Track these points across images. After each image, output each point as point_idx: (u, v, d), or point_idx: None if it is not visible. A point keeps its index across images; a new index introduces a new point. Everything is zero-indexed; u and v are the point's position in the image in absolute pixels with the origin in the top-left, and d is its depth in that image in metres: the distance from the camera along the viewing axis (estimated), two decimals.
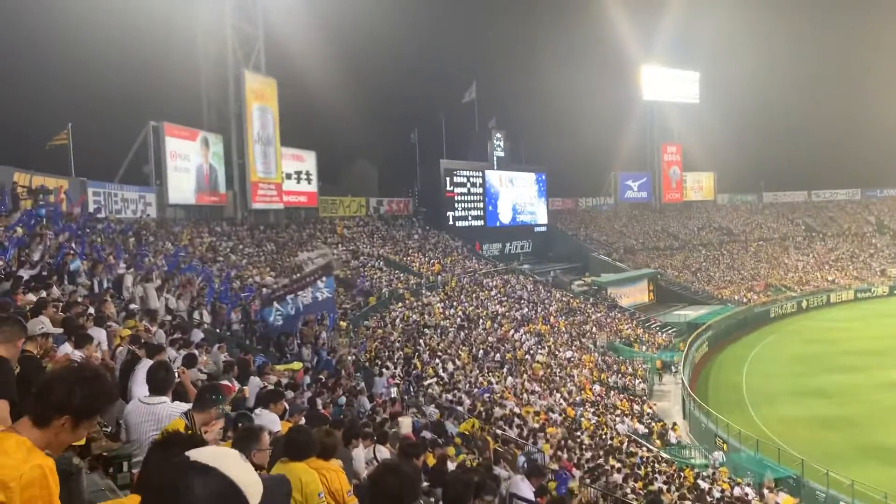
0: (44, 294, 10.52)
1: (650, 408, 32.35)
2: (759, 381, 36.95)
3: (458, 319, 37.08)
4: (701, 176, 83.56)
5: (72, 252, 15.37)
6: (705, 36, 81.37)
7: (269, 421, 6.28)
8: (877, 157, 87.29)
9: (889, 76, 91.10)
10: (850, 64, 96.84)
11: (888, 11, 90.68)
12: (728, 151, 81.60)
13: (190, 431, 4.52)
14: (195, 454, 1.68)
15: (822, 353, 41.49)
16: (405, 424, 12.61)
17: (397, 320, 34.20)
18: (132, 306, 14.28)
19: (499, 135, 61.91)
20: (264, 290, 24.95)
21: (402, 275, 42.75)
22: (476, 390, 25.33)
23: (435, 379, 25.37)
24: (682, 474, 21.77)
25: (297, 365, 14.23)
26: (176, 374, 6.10)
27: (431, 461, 9.71)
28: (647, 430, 27.97)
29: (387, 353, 27.75)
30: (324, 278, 19.62)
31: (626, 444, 24.27)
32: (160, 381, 5.00)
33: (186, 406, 4.89)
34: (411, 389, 23.12)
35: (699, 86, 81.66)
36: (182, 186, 37.48)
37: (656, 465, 22.18)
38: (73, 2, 40.64)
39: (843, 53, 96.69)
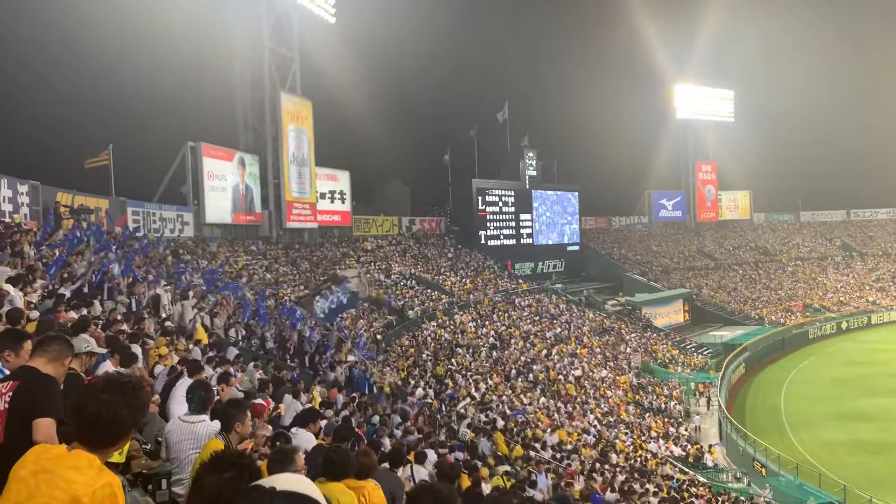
0: (85, 311, 10.72)
1: (686, 430, 31.77)
2: (799, 404, 36.07)
3: (490, 339, 36.93)
4: (737, 195, 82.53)
5: (113, 265, 15.68)
6: (739, 54, 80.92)
7: (306, 440, 6.29)
8: None
9: None
10: (888, 81, 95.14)
11: None
12: (764, 170, 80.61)
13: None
14: (277, 483, 1.74)
15: (864, 376, 40.40)
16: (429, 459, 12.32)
17: (429, 339, 34.18)
18: (168, 324, 14.49)
19: (531, 154, 61.91)
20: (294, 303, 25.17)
21: (434, 293, 42.77)
22: (509, 411, 25.14)
23: (468, 399, 25.25)
24: (719, 499, 21.29)
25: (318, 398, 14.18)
26: (215, 393, 6.16)
27: (466, 483, 9.64)
28: (683, 453, 27.46)
29: (418, 372, 27.72)
30: (334, 287, 19.87)
31: (661, 466, 23.85)
32: (200, 400, 5.06)
33: None
34: (443, 408, 23.02)
35: (734, 104, 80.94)
36: (219, 206, 38.09)
37: (693, 489, 21.73)
38: (114, 27, 41.84)
39: (881, 70, 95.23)
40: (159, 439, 5.46)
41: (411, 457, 9.17)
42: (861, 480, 23.36)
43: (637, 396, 34.69)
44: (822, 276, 71.97)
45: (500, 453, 16.20)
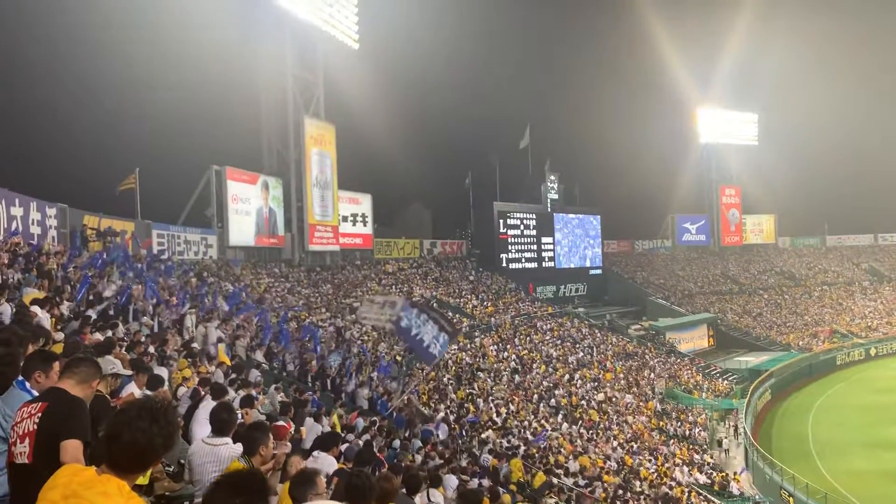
0: (110, 333, 10.83)
1: (711, 457, 31.24)
2: (827, 432, 35.34)
3: (512, 363, 36.70)
4: (761, 218, 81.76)
5: (137, 288, 15.86)
6: (762, 77, 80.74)
7: (327, 464, 6.28)
8: None
9: None
10: None
11: None
12: (789, 193, 79.80)
13: None
14: None
15: (894, 404, 39.53)
16: (450, 485, 12.17)
17: (450, 363, 34.04)
18: (193, 345, 14.59)
19: (553, 177, 61.95)
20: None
21: (455, 316, 42.66)
22: (531, 437, 24.90)
23: (490, 425, 25.04)
24: None
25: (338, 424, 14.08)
26: (239, 416, 6.18)
27: None
28: (708, 481, 26.98)
29: (438, 396, 27.58)
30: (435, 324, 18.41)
31: (687, 494, 23.44)
32: (223, 422, 5.07)
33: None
34: (464, 433, 22.86)
35: (758, 127, 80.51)
36: (242, 229, 38.45)
37: None
38: (142, 52, 42.75)
39: None
40: (182, 461, 5.47)
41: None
42: None
43: (661, 423, 34.22)
44: (849, 301, 70.81)
45: (518, 479, 15.98)
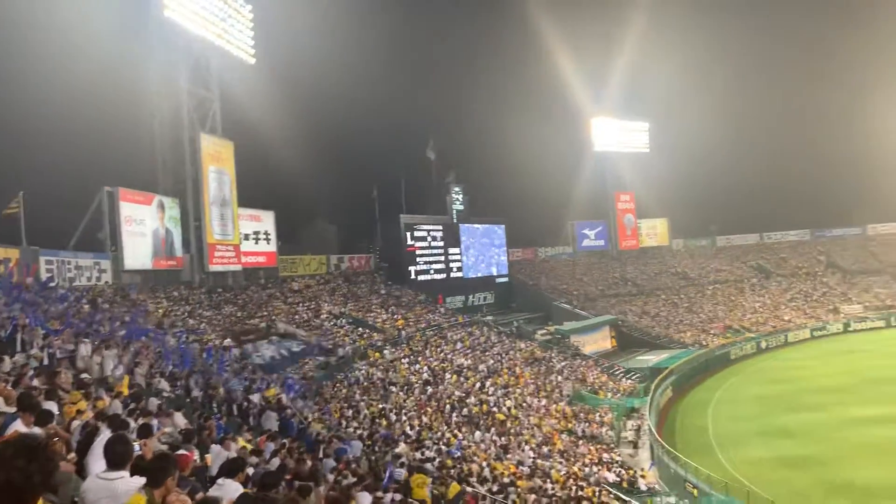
0: None
1: (619, 455, 32.21)
2: (725, 424, 37.10)
3: (424, 375, 36.74)
4: (655, 222, 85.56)
5: (24, 318, 14.94)
6: (653, 87, 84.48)
7: (233, 491, 6.09)
8: (825, 199, 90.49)
9: (831, 121, 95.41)
10: (795, 110, 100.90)
11: (827, 61, 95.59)
12: (680, 197, 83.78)
13: None
14: None
15: (784, 393, 41.95)
16: (363, 502, 12.00)
17: (361, 378, 33.74)
18: (83, 376, 13.86)
19: (457, 188, 62.71)
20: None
21: (365, 332, 42.37)
22: (444, 448, 24.96)
23: (403, 438, 24.96)
24: None
25: (248, 446, 13.73)
26: (136, 447, 5.91)
27: None
28: (617, 479, 27.78)
29: (351, 413, 27.27)
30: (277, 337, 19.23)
31: (597, 493, 24.06)
32: (118, 455, 4.82)
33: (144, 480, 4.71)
34: (376, 449, 22.67)
35: (649, 135, 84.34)
36: (138, 252, 36.87)
37: None
38: (23, 67, 40.42)
39: (788, 99, 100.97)
40: (76, 499, 5.18)
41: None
42: (788, 495, 24.10)
43: (570, 424, 35.02)
44: (740, 298, 74.89)
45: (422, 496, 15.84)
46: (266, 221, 48.34)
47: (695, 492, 26.32)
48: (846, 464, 28.07)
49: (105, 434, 6.82)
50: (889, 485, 25.25)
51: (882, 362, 48.76)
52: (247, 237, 46.00)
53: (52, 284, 27.30)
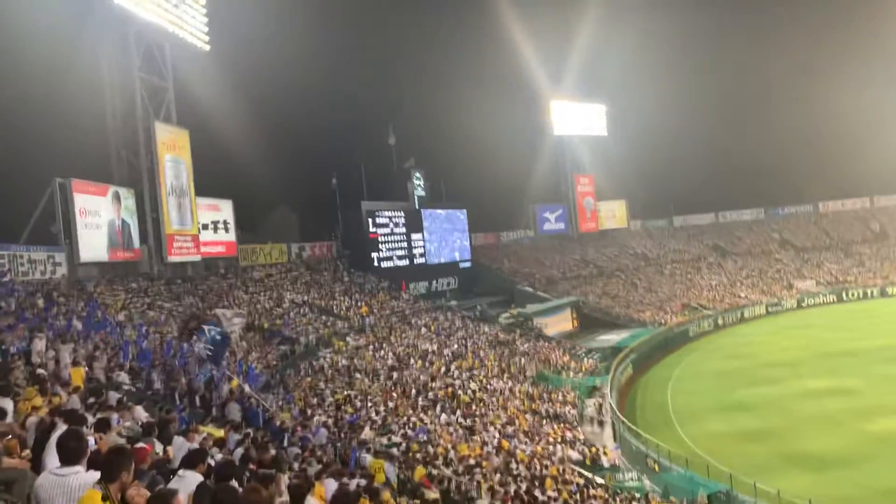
0: None
1: (582, 434, 32.74)
2: (684, 400, 37.99)
3: (389, 361, 36.82)
4: (613, 205, 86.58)
5: None
6: (610, 70, 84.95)
7: (194, 482, 6.09)
8: (777, 178, 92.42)
9: (783, 102, 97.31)
10: (748, 91, 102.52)
11: (778, 41, 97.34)
12: (637, 179, 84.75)
13: (108, 502, 4.36)
14: None
15: (741, 368, 43.08)
16: (329, 488, 11.98)
17: (325, 366, 33.69)
18: (39, 371, 13.64)
19: (418, 174, 62.61)
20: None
21: (329, 319, 42.23)
22: (410, 431, 25.12)
23: (369, 423, 25.05)
24: (616, 498, 22.07)
25: (217, 432, 13.66)
26: (91, 441, 5.88)
27: None
28: (580, 457, 28.28)
29: (316, 401, 27.25)
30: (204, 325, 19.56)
31: (561, 471, 24.45)
32: (71, 451, 4.79)
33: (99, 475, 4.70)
34: (342, 436, 22.74)
35: (606, 118, 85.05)
36: (93, 244, 36.10)
37: (591, 491, 22.43)
38: None
39: (741, 82, 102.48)
40: (30, 496, 5.15)
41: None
42: (745, 467, 24.84)
43: (534, 405, 35.46)
44: (697, 277, 76.44)
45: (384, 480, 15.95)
46: (225, 210, 47.70)
47: (656, 467, 26.99)
48: (801, 435, 29.04)
49: (60, 429, 6.77)
50: (842, 454, 26.24)
51: (834, 335, 50.40)
52: (205, 227, 45.35)
53: (6, 280, 26.65)
